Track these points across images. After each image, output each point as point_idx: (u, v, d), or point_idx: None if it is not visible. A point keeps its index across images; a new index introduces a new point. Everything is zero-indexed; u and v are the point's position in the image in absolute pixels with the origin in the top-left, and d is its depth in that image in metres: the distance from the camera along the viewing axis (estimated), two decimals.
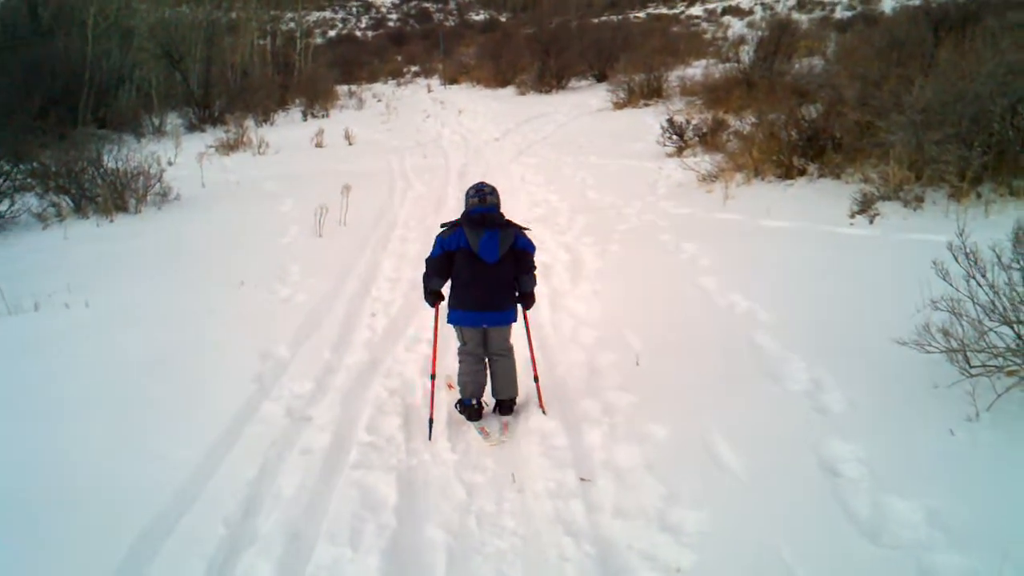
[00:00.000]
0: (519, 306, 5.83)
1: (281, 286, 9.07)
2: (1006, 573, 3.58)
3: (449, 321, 5.71)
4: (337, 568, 4.23)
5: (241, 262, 10.09)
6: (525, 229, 5.65)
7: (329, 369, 6.83)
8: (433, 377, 5.94)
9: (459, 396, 5.91)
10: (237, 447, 5.54)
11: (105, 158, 14.15)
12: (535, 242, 5.85)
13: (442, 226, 5.64)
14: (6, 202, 13.45)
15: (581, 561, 4.17)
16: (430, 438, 5.63)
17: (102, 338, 7.72)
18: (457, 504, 4.80)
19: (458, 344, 5.88)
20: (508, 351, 5.81)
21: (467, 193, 5.64)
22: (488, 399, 5.98)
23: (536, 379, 5.96)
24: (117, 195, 13.51)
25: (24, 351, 7.48)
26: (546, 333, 7.28)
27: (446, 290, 5.77)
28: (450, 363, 6.35)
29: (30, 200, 13.91)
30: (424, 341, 7.28)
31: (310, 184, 15.16)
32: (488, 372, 5.86)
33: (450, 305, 5.68)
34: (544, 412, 5.82)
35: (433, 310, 5.94)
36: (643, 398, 5.83)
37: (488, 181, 5.87)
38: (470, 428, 5.74)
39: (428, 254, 5.66)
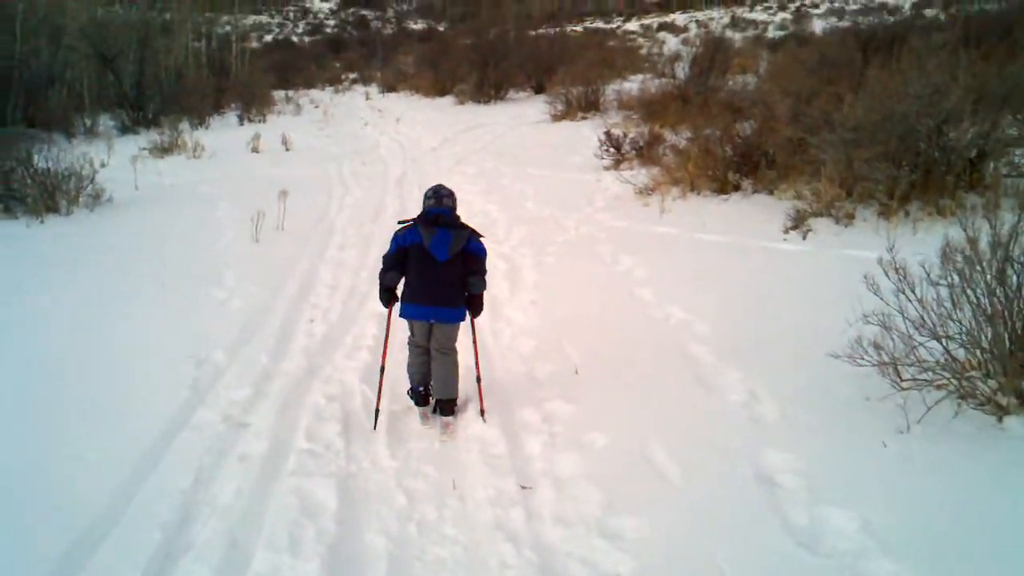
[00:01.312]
0: (467, 309, 5.94)
1: (217, 291, 8.95)
2: None
3: (400, 315, 5.85)
4: (277, 575, 4.18)
5: (175, 266, 9.94)
6: (480, 236, 5.82)
7: (267, 375, 6.76)
8: (382, 370, 6.01)
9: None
10: (171, 453, 5.44)
11: (35, 158, 13.82)
12: (488, 250, 5.98)
13: (399, 222, 5.89)
14: None
15: (522, 568, 4.19)
16: (375, 427, 5.80)
17: (28, 341, 7.54)
18: (398, 511, 4.78)
19: (407, 335, 6.02)
20: (450, 350, 5.91)
21: (425, 194, 5.85)
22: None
23: (479, 379, 6.03)
24: (48, 196, 13.19)
25: None
26: (486, 342, 7.28)
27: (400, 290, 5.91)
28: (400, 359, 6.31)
29: None
30: (364, 348, 7.28)
31: (246, 189, 15.00)
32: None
33: (402, 299, 5.83)
34: (483, 416, 5.89)
35: (386, 310, 6.09)
36: (582, 407, 5.88)
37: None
38: (411, 436, 5.73)
39: (385, 252, 5.87)
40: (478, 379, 6.04)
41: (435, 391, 5.98)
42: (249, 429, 5.82)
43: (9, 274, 9.64)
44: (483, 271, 5.86)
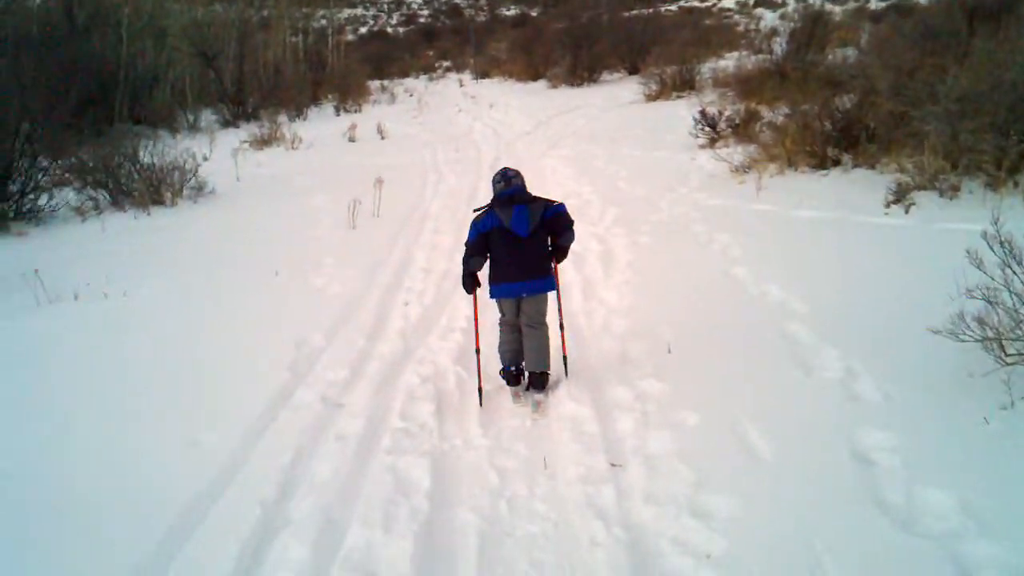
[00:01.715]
0: (554, 278, 6.06)
1: (315, 277, 9.16)
2: None
3: (491, 296, 6.00)
4: (370, 551, 4.27)
5: (275, 254, 10.21)
6: (552, 201, 5.92)
7: (363, 357, 6.90)
8: (478, 351, 6.14)
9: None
10: (271, 433, 5.62)
11: (141, 153, 14.39)
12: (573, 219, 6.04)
13: (475, 211, 6.00)
14: (45, 196, 13.71)
15: (612, 546, 4.18)
16: (481, 404, 5.97)
17: (140, 328, 7.85)
18: (489, 489, 4.83)
19: (499, 317, 6.16)
20: (540, 323, 6.00)
21: (493, 179, 5.99)
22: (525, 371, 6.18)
23: (561, 327, 6.35)
24: (153, 189, 13.72)
25: (58, 342, 7.64)
26: (579, 323, 7.29)
27: (483, 275, 6.05)
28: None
29: (68, 194, 14.19)
30: (457, 330, 7.36)
31: (343, 178, 15.29)
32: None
33: (490, 281, 5.96)
34: (567, 374, 6.21)
35: (471, 296, 6.21)
36: (675, 386, 5.83)
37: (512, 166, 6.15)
38: (503, 414, 5.79)
39: (465, 240, 5.98)
40: (561, 327, 6.35)
41: (528, 365, 6.05)
42: (345, 409, 5.96)
43: (121, 266, 10.02)
44: (569, 224, 5.95)
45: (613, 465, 4.94)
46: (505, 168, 6.02)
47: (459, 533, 4.42)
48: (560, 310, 6.44)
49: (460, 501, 4.72)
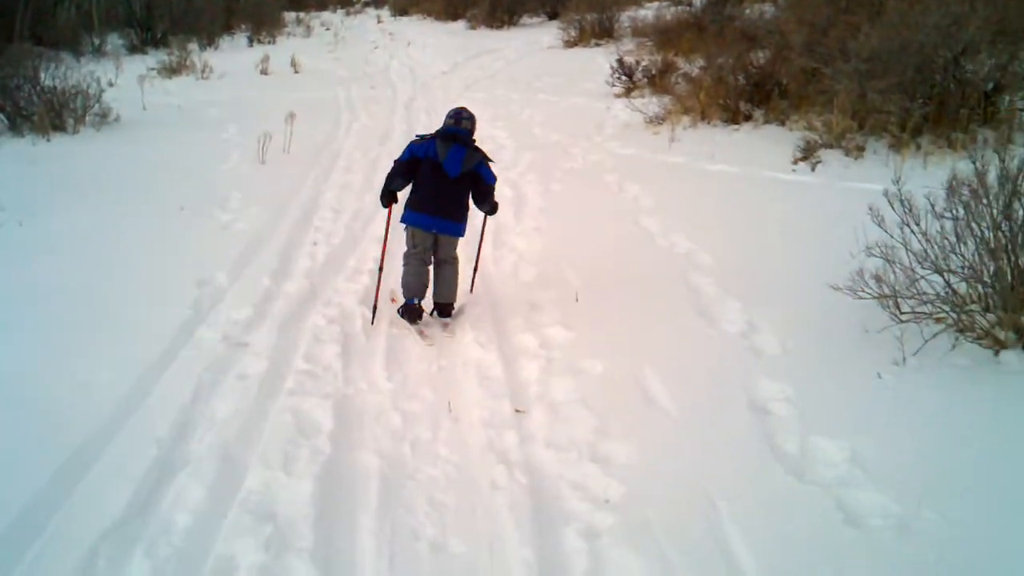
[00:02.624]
0: (465, 225, 6.30)
1: (221, 213, 8.93)
2: (923, 512, 3.69)
3: (402, 220, 6.18)
4: (269, 492, 4.21)
5: (181, 187, 9.89)
6: (490, 162, 6.19)
7: (268, 296, 6.76)
8: (380, 269, 6.42)
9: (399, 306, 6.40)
10: (170, 371, 5.47)
11: (42, 75, 13.72)
12: (496, 176, 6.33)
13: (417, 135, 6.26)
14: None
15: (513, 489, 4.22)
16: (372, 323, 6.25)
17: (34, 259, 7.55)
18: (392, 432, 4.81)
19: (406, 248, 6.29)
20: (453, 260, 6.33)
21: (447, 114, 6.23)
22: (428, 303, 6.38)
23: (475, 269, 6.80)
24: (55, 114, 13.11)
25: None
26: (488, 269, 7.28)
27: (402, 195, 6.26)
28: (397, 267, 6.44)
29: None
30: (365, 272, 7.26)
31: (254, 111, 14.86)
32: (431, 276, 6.33)
33: (406, 206, 6.17)
34: (471, 291, 6.73)
35: (386, 211, 6.40)
36: (580, 334, 5.89)
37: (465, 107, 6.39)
38: (408, 359, 5.76)
39: (397, 157, 6.23)
40: (475, 268, 6.80)
41: (436, 295, 6.34)
42: (248, 349, 5.85)
43: (18, 193, 9.60)
44: (491, 198, 6.27)
45: (517, 411, 4.98)
46: (462, 108, 6.28)
47: (360, 475, 4.40)
48: (478, 255, 6.85)
49: (363, 444, 4.69)
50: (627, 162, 10.72)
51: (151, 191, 9.80)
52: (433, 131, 6.20)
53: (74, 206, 9.16)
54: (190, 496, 4.18)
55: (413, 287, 6.24)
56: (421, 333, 6.13)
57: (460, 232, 6.23)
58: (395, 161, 6.18)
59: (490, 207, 6.32)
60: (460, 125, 6.10)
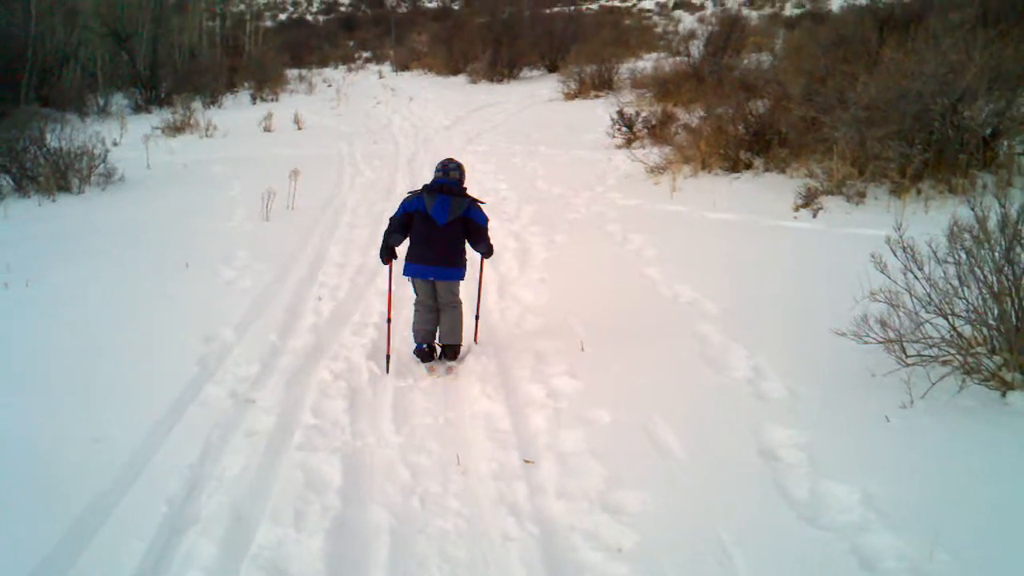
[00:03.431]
0: (464, 269, 6.47)
1: (227, 269, 8.98)
2: (937, 554, 3.69)
3: (404, 274, 6.42)
4: (281, 549, 4.20)
5: (186, 245, 9.98)
6: (480, 202, 6.41)
7: (274, 352, 6.79)
8: (389, 320, 6.64)
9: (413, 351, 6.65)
10: (179, 428, 5.48)
11: (48, 137, 13.92)
12: (489, 216, 6.55)
13: (409, 192, 6.49)
14: None
15: (524, 541, 4.20)
16: (388, 371, 6.39)
17: (41, 318, 7.60)
18: (402, 486, 4.80)
19: (415, 297, 6.57)
20: (456, 304, 6.52)
21: (436, 167, 6.53)
22: (438, 344, 6.64)
23: (477, 317, 6.95)
24: (60, 175, 13.26)
25: None
26: (493, 320, 7.33)
27: (401, 250, 6.48)
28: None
29: None
30: (371, 326, 7.30)
31: (258, 168, 15.02)
32: (438, 321, 6.57)
33: (405, 259, 6.40)
34: (476, 340, 6.87)
35: (387, 267, 6.62)
36: (588, 384, 5.90)
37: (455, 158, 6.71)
38: (415, 412, 5.76)
39: (391, 215, 6.47)
40: (476, 317, 6.95)
41: (441, 337, 6.57)
42: (256, 405, 5.86)
43: (24, 253, 9.68)
44: (485, 240, 6.44)
45: (526, 462, 4.97)
46: (450, 159, 6.59)
47: (371, 530, 4.39)
48: (478, 303, 6.99)
49: (372, 498, 4.68)
50: (630, 212, 10.80)
51: (156, 249, 9.88)
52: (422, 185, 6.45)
53: (80, 265, 9.23)
54: (201, 553, 4.17)
55: (421, 333, 6.55)
56: (431, 368, 6.44)
57: (456, 276, 6.40)
58: (390, 218, 6.45)
59: (486, 248, 6.46)
60: (448, 176, 6.38)
